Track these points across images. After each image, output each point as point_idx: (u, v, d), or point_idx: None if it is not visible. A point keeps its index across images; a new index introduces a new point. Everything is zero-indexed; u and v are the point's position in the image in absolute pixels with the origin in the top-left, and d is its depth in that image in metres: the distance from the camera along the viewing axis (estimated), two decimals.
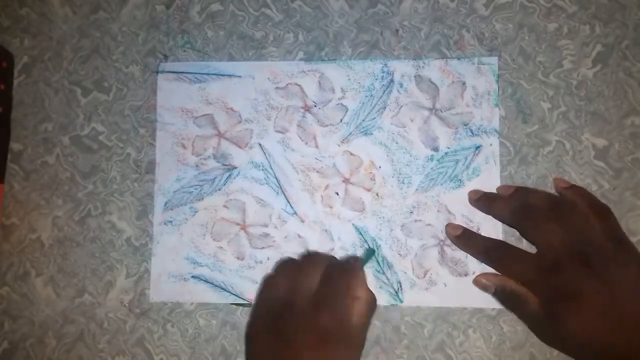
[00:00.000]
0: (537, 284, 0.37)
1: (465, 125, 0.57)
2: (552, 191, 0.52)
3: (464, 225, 0.55)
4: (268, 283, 0.41)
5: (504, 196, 0.42)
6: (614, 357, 0.32)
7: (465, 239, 0.41)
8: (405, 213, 0.56)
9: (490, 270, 0.43)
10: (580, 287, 0.34)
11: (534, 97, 0.57)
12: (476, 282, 0.40)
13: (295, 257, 0.41)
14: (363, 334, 0.40)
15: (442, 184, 0.56)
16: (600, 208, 0.41)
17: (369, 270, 0.53)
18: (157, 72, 0.59)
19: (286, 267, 0.41)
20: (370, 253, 0.49)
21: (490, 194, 0.43)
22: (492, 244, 0.40)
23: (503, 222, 0.39)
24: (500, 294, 0.39)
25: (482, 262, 0.39)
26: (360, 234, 0.56)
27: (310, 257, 0.41)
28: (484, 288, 0.39)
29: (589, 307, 0.34)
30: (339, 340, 0.36)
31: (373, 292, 0.43)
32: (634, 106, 0.56)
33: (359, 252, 0.51)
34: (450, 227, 0.43)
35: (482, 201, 0.42)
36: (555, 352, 0.54)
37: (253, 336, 0.37)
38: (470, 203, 0.43)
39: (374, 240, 0.56)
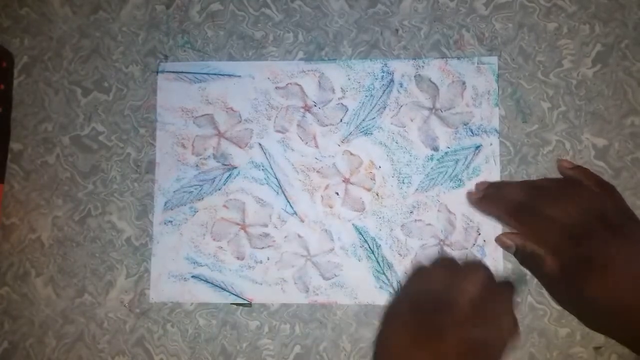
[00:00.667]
0: (562, 249, 0.37)
1: (465, 124, 0.56)
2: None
3: (464, 225, 0.55)
4: (424, 273, 0.40)
5: (510, 184, 0.42)
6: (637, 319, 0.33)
7: (490, 198, 0.40)
8: (405, 213, 0.56)
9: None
10: (606, 252, 0.34)
11: (534, 97, 0.57)
12: (499, 240, 0.39)
13: (456, 260, 0.41)
14: (504, 354, 0.39)
15: (442, 184, 0.56)
16: (606, 185, 0.41)
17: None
18: (157, 72, 0.59)
19: (446, 264, 0.40)
20: (523, 281, 0.48)
21: (494, 183, 0.42)
22: (520, 206, 0.39)
23: (514, 208, 0.39)
24: (521, 254, 0.39)
25: (506, 224, 0.39)
26: (360, 233, 0.56)
27: (473, 265, 0.41)
28: (506, 247, 0.39)
29: (616, 272, 0.34)
30: (484, 357, 0.36)
31: (518, 328, 0.42)
32: (634, 106, 0.56)
33: (511, 277, 0.50)
34: (472, 191, 0.42)
35: (492, 187, 0.41)
36: (555, 352, 0.54)
37: (395, 320, 0.36)
38: (472, 203, 0.43)
39: (374, 240, 0.56)
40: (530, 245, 0.38)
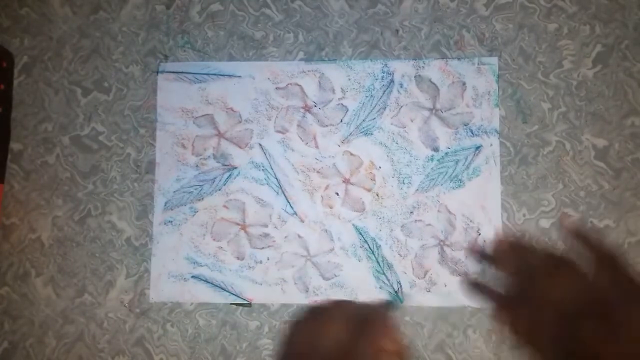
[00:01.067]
0: (550, 338, 0.36)
1: (466, 125, 0.56)
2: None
3: (464, 225, 0.55)
4: (292, 330, 0.40)
5: (504, 253, 0.41)
6: None
7: (483, 287, 0.40)
8: (405, 213, 0.56)
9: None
10: (595, 343, 0.33)
11: (534, 97, 0.57)
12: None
13: (318, 305, 0.40)
14: None
15: (442, 184, 0.56)
16: (608, 255, 0.39)
17: (394, 316, 0.52)
18: (157, 72, 0.59)
19: (309, 315, 0.39)
20: (396, 301, 0.48)
21: (489, 249, 0.41)
22: (510, 300, 0.38)
23: (506, 280, 0.38)
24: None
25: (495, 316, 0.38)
26: (360, 234, 0.56)
27: (335, 305, 0.40)
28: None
29: (608, 356, 0.33)
30: None
31: (404, 343, 0.42)
32: (634, 106, 0.56)
33: (384, 298, 0.50)
34: (467, 274, 0.41)
35: (482, 256, 0.41)
36: None
37: None
38: (466, 288, 0.42)
39: (374, 240, 0.56)
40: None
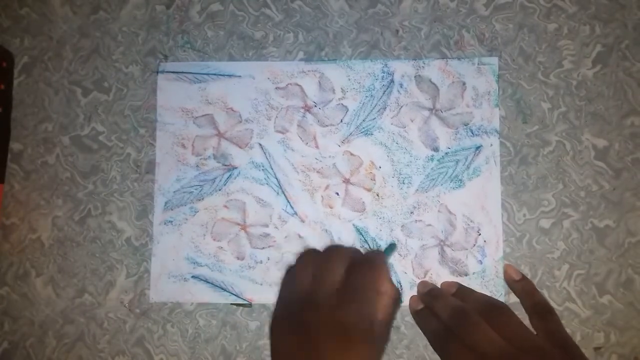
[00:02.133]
0: None
1: (466, 125, 0.57)
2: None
3: (464, 225, 0.55)
4: (291, 274, 0.40)
5: (446, 295, 0.41)
6: None
7: (422, 316, 0.40)
8: (405, 213, 0.56)
9: None
10: None
11: (534, 97, 0.57)
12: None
13: (318, 248, 0.41)
14: (387, 330, 0.40)
15: (442, 184, 0.56)
16: (542, 309, 0.39)
17: (391, 264, 0.53)
18: (157, 72, 0.59)
19: (309, 259, 0.40)
20: (393, 247, 0.49)
21: (436, 290, 0.42)
22: (443, 329, 0.38)
23: (443, 321, 0.38)
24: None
25: (431, 345, 0.38)
26: (361, 234, 0.56)
27: (335, 250, 0.41)
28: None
29: None
30: (364, 337, 0.36)
31: (397, 286, 0.42)
32: (634, 106, 0.56)
33: (383, 246, 0.50)
34: (412, 299, 0.42)
35: (427, 297, 0.41)
36: None
37: (274, 329, 0.37)
38: (420, 296, 0.42)
39: (374, 240, 0.56)
40: None
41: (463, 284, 0.49)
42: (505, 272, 0.41)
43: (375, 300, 0.36)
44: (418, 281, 0.41)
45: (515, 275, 0.41)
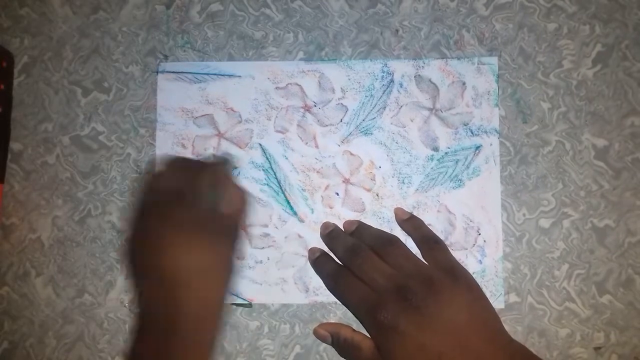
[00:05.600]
0: (366, 323, 0.37)
1: (465, 125, 0.57)
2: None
3: (464, 225, 0.55)
4: (139, 197, 0.43)
5: (344, 235, 0.43)
6: None
7: (317, 260, 0.42)
8: None
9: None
10: (398, 322, 0.34)
11: (534, 97, 0.57)
12: (315, 332, 0.41)
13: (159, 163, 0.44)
14: (235, 227, 0.42)
15: (442, 184, 0.56)
16: (429, 240, 0.40)
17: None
18: (157, 72, 0.59)
19: (152, 177, 0.44)
20: (231, 156, 0.52)
21: (335, 231, 0.43)
22: (335, 269, 0.39)
23: (339, 260, 0.40)
24: (335, 344, 0.39)
25: (327, 287, 0.40)
26: None
27: (168, 161, 0.44)
28: (322, 339, 0.40)
29: (409, 343, 0.34)
30: (197, 232, 0.39)
31: (242, 186, 0.45)
32: (634, 106, 0.56)
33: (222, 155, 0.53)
34: (310, 251, 0.43)
35: (327, 238, 0.43)
36: (555, 352, 0.54)
37: (126, 231, 0.40)
38: (321, 236, 0.44)
39: None
40: (343, 332, 0.38)
41: None
42: (396, 215, 0.43)
43: (202, 191, 0.40)
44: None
45: (404, 215, 0.42)
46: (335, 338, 0.39)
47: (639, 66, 0.56)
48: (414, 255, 0.38)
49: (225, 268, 0.40)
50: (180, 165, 0.42)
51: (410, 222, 0.43)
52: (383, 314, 0.34)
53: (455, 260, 0.39)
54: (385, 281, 0.36)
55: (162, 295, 0.36)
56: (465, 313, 0.34)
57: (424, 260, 0.37)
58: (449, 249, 0.39)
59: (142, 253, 0.38)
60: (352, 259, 0.38)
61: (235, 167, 0.52)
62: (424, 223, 0.44)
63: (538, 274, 0.55)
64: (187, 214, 0.38)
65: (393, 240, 0.39)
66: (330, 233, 0.42)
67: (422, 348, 0.32)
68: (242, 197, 0.44)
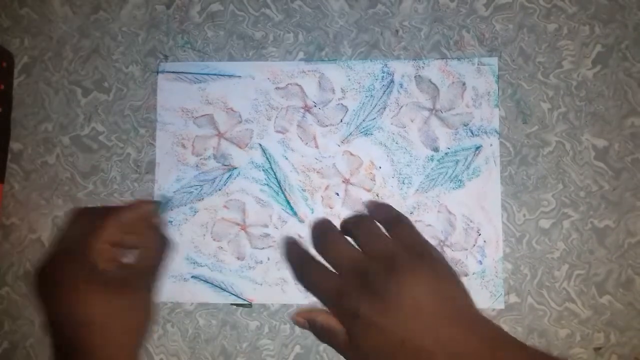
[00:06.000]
0: (332, 310, 0.37)
1: (466, 125, 0.57)
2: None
3: (464, 226, 0.55)
4: (54, 244, 0.44)
5: (327, 222, 0.43)
6: None
7: (288, 248, 0.42)
8: (405, 213, 0.56)
9: None
10: (360, 308, 0.33)
11: (534, 98, 0.57)
12: (293, 320, 0.41)
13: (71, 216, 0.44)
14: (148, 277, 0.43)
15: (442, 184, 0.56)
16: (394, 218, 0.40)
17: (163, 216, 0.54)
18: (157, 72, 0.59)
19: (77, 219, 0.43)
20: (168, 200, 0.52)
21: (321, 221, 0.44)
22: (304, 257, 0.39)
23: (312, 247, 0.40)
24: (312, 330, 0.40)
25: (294, 276, 0.40)
26: None
27: (78, 212, 0.44)
28: (301, 325, 0.40)
29: (372, 329, 0.33)
30: (112, 279, 0.40)
31: (161, 234, 0.45)
32: (634, 107, 0.56)
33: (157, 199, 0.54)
34: (282, 239, 0.44)
35: (311, 229, 0.43)
36: (555, 352, 0.54)
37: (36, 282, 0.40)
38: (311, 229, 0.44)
39: None
40: (320, 318, 0.38)
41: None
42: (366, 207, 0.43)
43: (87, 246, 0.40)
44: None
45: (372, 204, 0.43)
46: (312, 324, 0.39)
47: (639, 67, 0.56)
48: (383, 233, 0.38)
49: (135, 315, 0.40)
50: (86, 216, 0.43)
51: (378, 208, 0.43)
52: (346, 300, 0.34)
53: (422, 238, 0.38)
54: (349, 266, 0.36)
55: (71, 335, 0.38)
56: (430, 294, 0.33)
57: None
58: (416, 227, 0.39)
59: (52, 295, 0.39)
60: (321, 243, 0.38)
61: (165, 210, 0.53)
62: (390, 206, 0.44)
63: (538, 275, 0.55)
64: (78, 268, 0.39)
65: (362, 217, 0.39)
66: (315, 224, 0.42)
67: (384, 334, 0.32)
68: (160, 246, 0.44)
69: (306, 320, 0.39)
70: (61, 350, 0.39)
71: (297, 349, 0.55)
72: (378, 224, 0.39)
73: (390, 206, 0.43)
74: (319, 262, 0.37)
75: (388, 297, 0.33)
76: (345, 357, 0.36)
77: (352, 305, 0.33)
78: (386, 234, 0.38)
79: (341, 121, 0.57)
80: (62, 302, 0.38)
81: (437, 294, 0.34)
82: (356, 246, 0.36)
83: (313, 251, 0.39)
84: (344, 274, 0.35)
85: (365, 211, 0.42)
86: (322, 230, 0.39)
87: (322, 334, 0.37)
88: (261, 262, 0.56)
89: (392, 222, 0.39)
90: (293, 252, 0.40)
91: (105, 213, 0.42)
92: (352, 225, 0.39)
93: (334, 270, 0.36)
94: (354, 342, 0.34)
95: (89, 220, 0.42)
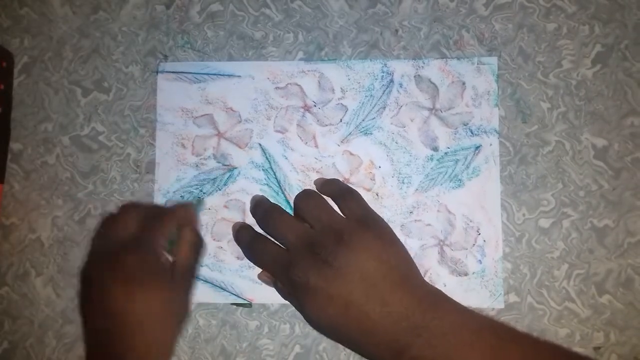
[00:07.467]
0: (282, 282, 0.38)
1: (465, 125, 0.57)
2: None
3: (464, 225, 0.55)
4: (94, 242, 0.44)
5: (267, 201, 0.45)
6: (345, 343, 0.34)
7: (237, 233, 0.43)
8: (405, 213, 0.56)
9: None
10: (308, 278, 0.35)
11: (534, 97, 0.57)
12: (259, 277, 0.42)
13: (116, 212, 0.45)
14: (187, 274, 0.44)
15: (442, 184, 0.56)
16: (343, 191, 0.42)
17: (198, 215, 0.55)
18: (157, 72, 0.59)
19: (107, 223, 0.44)
20: (200, 202, 0.53)
21: (260, 199, 0.45)
22: (252, 237, 0.41)
23: (259, 226, 0.41)
24: (276, 288, 0.41)
25: (246, 256, 0.41)
26: None
27: (126, 207, 0.45)
28: (266, 282, 0.41)
29: (319, 297, 0.34)
30: (147, 279, 0.40)
31: (199, 233, 0.46)
32: (634, 106, 0.56)
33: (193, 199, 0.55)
34: (233, 226, 0.45)
35: (252, 207, 0.44)
36: None
37: (80, 283, 0.42)
38: (249, 209, 0.46)
39: None
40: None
41: (462, 283, 0.50)
42: (315, 185, 0.44)
43: (157, 242, 0.41)
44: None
45: (321, 181, 0.44)
46: (274, 282, 0.40)
47: (638, 66, 0.56)
48: (329, 207, 0.39)
49: (173, 313, 0.42)
50: (136, 213, 0.44)
51: (326, 184, 0.44)
52: (294, 271, 0.35)
53: (369, 209, 0.40)
54: (297, 239, 0.37)
55: (112, 336, 0.38)
56: (375, 261, 0.34)
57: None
58: (364, 199, 0.39)
59: (94, 298, 0.40)
60: (268, 221, 0.40)
61: (201, 210, 0.55)
62: (338, 180, 0.46)
63: (538, 274, 0.55)
64: (138, 262, 0.40)
65: (308, 193, 0.40)
66: (256, 202, 0.43)
67: (330, 299, 0.33)
68: (196, 246, 0.45)
69: (269, 279, 0.41)
70: (97, 336, 0.40)
71: (297, 348, 0.55)
72: (326, 198, 0.40)
73: (339, 180, 0.45)
74: (266, 240, 0.39)
75: (337, 265, 0.34)
76: (300, 312, 0.37)
77: (301, 275, 0.34)
78: (334, 208, 0.39)
79: (341, 121, 0.58)
80: (108, 308, 0.39)
81: (382, 261, 0.35)
82: (301, 221, 0.38)
83: (260, 230, 0.40)
84: (292, 248, 0.37)
85: (314, 188, 0.43)
86: (264, 209, 0.41)
87: (283, 293, 0.39)
88: None
89: (340, 196, 0.40)
90: (242, 235, 0.42)
91: (160, 212, 0.44)
92: (298, 200, 0.40)
93: (281, 246, 0.37)
94: (302, 311, 0.35)
95: (146, 217, 0.43)
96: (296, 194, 0.40)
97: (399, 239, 0.38)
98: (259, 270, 0.57)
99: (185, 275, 0.44)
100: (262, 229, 0.41)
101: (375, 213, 0.40)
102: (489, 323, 0.34)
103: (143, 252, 0.40)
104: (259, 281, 0.56)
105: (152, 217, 0.44)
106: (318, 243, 0.35)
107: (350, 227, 0.37)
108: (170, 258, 0.43)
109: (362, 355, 0.34)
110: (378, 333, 0.32)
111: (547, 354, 0.33)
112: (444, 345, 0.31)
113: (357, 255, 0.34)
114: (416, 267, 0.38)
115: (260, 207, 0.42)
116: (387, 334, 0.32)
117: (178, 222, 0.45)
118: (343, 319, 0.33)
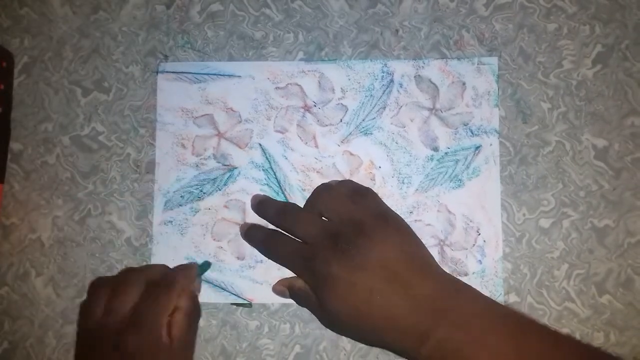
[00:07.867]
0: (303, 276, 0.39)
1: (465, 125, 0.57)
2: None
3: (464, 225, 0.55)
4: (83, 311, 0.42)
5: (272, 200, 0.45)
6: (364, 338, 0.35)
7: (249, 232, 0.43)
8: (405, 213, 0.56)
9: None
10: (331, 267, 0.35)
11: (534, 97, 0.57)
12: (274, 290, 0.42)
13: (110, 276, 0.43)
14: (184, 344, 0.42)
15: (442, 184, 0.56)
16: (359, 190, 0.42)
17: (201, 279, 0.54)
18: (157, 72, 0.59)
19: (100, 290, 0.42)
20: (206, 265, 0.52)
21: (266, 198, 0.45)
22: (266, 234, 0.41)
23: (272, 223, 0.41)
24: (291, 295, 0.41)
25: (262, 253, 0.41)
26: None
27: (126, 275, 0.43)
28: (280, 294, 0.42)
29: (341, 285, 0.35)
30: (152, 356, 0.39)
31: (197, 301, 0.45)
32: (634, 106, 0.56)
33: (198, 261, 0.54)
34: (241, 226, 0.45)
35: (258, 206, 0.44)
36: None
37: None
38: (252, 208, 0.45)
39: None
40: (297, 284, 0.39)
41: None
42: (324, 186, 0.44)
43: (160, 322, 0.39)
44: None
45: (334, 182, 0.44)
46: (291, 290, 0.40)
47: (639, 66, 0.56)
48: (348, 201, 0.39)
49: None
50: (137, 282, 0.41)
51: (340, 184, 0.44)
52: (316, 263, 0.35)
53: (386, 206, 0.40)
54: (317, 231, 0.37)
55: None
56: (395, 251, 0.35)
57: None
58: (380, 197, 0.40)
59: None
60: (284, 217, 0.40)
61: (206, 271, 0.53)
62: (352, 180, 0.45)
63: (538, 274, 0.55)
64: (138, 344, 0.38)
65: (327, 186, 0.41)
66: (261, 201, 0.43)
67: (353, 287, 0.33)
68: (193, 316, 0.43)
69: (285, 288, 0.41)
70: None
71: (297, 348, 0.55)
72: (342, 194, 0.40)
73: (353, 181, 0.45)
74: (282, 235, 0.39)
75: (359, 254, 0.34)
76: (320, 319, 0.37)
77: (322, 266, 0.35)
78: (346, 199, 0.39)
79: (341, 121, 0.58)
80: None
81: (402, 251, 0.36)
82: (318, 215, 0.38)
83: (271, 226, 0.40)
84: (313, 240, 0.37)
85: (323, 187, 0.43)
86: (276, 207, 0.41)
87: (300, 297, 0.39)
88: (261, 262, 0.56)
89: (356, 194, 0.41)
90: (255, 233, 0.42)
91: (162, 281, 0.41)
92: (317, 194, 0.40)
93: (298, 240, 0.37)
94: (323, 304, 0.35)
95: (147, 288, 0.40)
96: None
97: (416, 234, 0.39)
98: (259, 270, 0.57)
99: (184, 350, 0.42)
100: (276, 226, 0.41)
101: (391, 210, 0.40)
102: (512, 312, 0.34)
103: (144, 332, 0.39)
104: (259, 281, 0.56)
105: (153, 286, 0.41)
106: (339, 234, 0.36)
107: (370, 220, 0.37)
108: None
109: (384, 345, 0.34)
110: (403, 317, 0.32)
111: (566, 347, 0.33)
112: (469, 328, 0.31)
113: (378, 246, 0.35)
114: (434, 259, 0.38)
115: (270, 205, 0.42)
116: (412, 317, 0.32)
117: (163, 292, 0.42)
118: (366, 307, 0.33)
